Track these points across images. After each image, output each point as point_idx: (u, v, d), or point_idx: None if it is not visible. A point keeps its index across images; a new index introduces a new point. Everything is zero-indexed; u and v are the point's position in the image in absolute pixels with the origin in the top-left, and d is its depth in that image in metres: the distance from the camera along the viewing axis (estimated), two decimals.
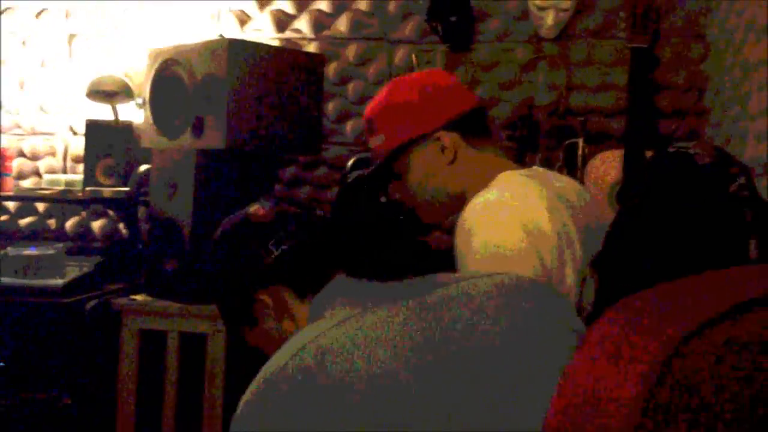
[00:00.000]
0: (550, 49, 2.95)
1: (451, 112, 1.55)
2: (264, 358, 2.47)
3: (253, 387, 0.95)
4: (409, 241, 1.16)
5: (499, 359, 0.94)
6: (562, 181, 1.61)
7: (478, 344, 0.95)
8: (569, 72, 2.93)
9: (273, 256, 1.14)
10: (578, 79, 2.93)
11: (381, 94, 1.62)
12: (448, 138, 1.53)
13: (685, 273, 0.87)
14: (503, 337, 0.97)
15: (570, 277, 1.40)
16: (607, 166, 2.52)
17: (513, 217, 1.40)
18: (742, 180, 1.36)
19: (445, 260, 1.54)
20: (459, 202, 1.55)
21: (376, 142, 1.58)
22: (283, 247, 1.14)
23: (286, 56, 2.66)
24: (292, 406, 0.89)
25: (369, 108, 1.62)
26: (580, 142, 2.68)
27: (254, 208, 1.22)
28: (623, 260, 1.25)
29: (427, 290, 1.02)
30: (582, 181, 2.60)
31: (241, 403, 0.95)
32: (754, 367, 0.62)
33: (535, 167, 1.63)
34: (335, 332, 0.94)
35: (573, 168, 2.69)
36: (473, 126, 1.57)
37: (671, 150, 1.44)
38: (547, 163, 2.82)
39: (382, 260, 1.13)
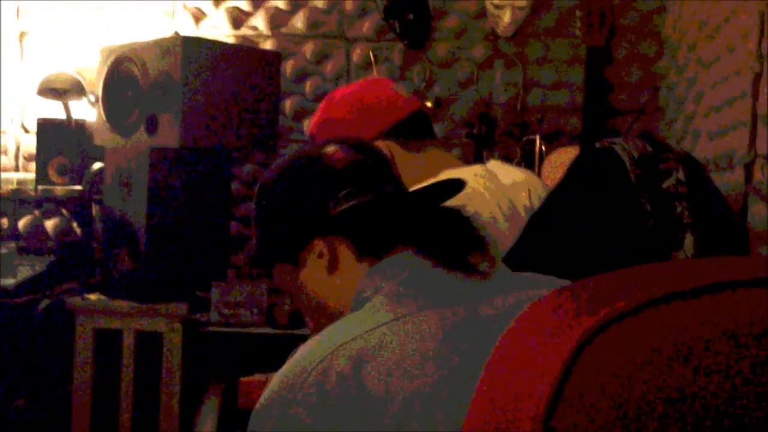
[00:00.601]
0: (507, 47, 2.97)
1: (385, 122, 1.58)
2: (220, 355, 2.42)
3: (280, 379, 0.90)
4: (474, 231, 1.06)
5: None
6: (516, 176, 1.61)
7: None
8: (526, 70, 2.95)
9: (341, 208, 1.04)
10: (535, 76, 2.95)
11: (318, 110, 1.64)
12: (382, 144, 1.54)
13: (593, 268, 0.87)
14: None
15: None
16: (562, 163, 2.53)
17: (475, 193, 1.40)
18: (679, 175, 1.36)
19: None
20: None
21: None
22: (354, 201, 1.04)
23: (242, 53, 2.64)
24: (318, 412, 0.85)
25: (310, 125, 1.64)
26: (537, 139, 2.69)
27: (332, 149, 1.09)
28: (530, 258, 1.25)
29: (488, 295, 0.96)
30: (539, 177, 2.61)
31: (265, 394, 0.90)
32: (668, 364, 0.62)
33: (492, 161, 1.63)
34: (377, 336, 0.89)
35: (530, 165, 2.71)
36: (411, 130, 1.59)
37: (598, 145, 1.44)
38: (505, 161, 2.83)
39: (456, 246, 1.01)
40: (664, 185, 1.39)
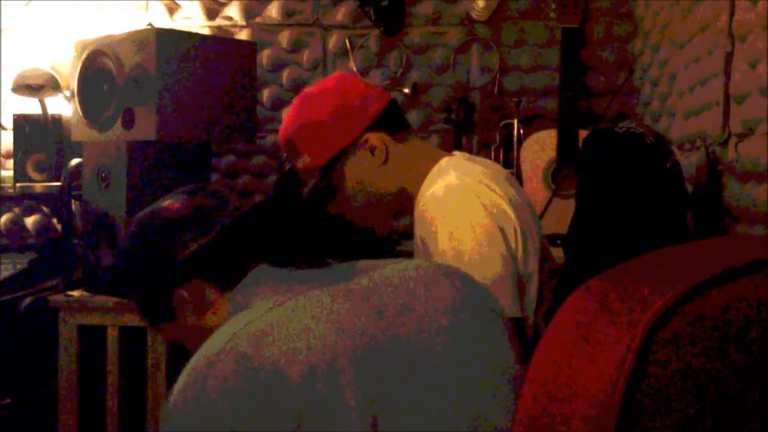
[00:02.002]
0: (483, 31, 2.97)
1: (369, 114, 1.52)
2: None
3: (185, 377, 0.92)
4: (333, 227, 1.12)
5: (429, 340, 0.95)
6: (488, 165, 1.60)
7: (409, 326, 0.95)
8: (502, 54, 2.96)
9: (190, 250, 1.10)
10: (511, 60, 2.96)
11: (292, 113, 1.56)
12: (376, 138, 1.51)
13: (639, 247, 0.89)
14: (431, 319, 0.97)
15: (532, 259, 1.41)
16: (542, 146, 2.55)
17: (476, 201, 1.39)
18: (675, 157, 1.39)
19: (385, 248, 1.54)
20: (400, 198, 1.54)
21: (302, 162, 1.53)
22: (200, 241, 1.10)
23: (218, 44, 2.62)
24: (229, 394, 0.87)
25: (283, 130, 1.56)
26: (515, 123, 2.70)
27: (167, 203, 1.16)
28: (588, 240, 1.27)
29: (350, 277, 1.02)
30: (518, 162, 2.63)
31: (173, 395, 0.92)
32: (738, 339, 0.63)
33: (456, 152, 1.61)
34: (268, 317, 0.93)
35: (509, 149, 2.72)
36: (393, 121, 1.56)
37: (620, 130, 1.46)
38: (484, 145, 2.85)
39: (304, 246, 1.10)
40: (668, 166, 1.43)
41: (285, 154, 1.60)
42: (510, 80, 2.96)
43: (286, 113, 1.60)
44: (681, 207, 1.56)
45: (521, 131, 2.69)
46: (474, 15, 2.94)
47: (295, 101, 1.58)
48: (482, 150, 2.85)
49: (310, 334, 0.90)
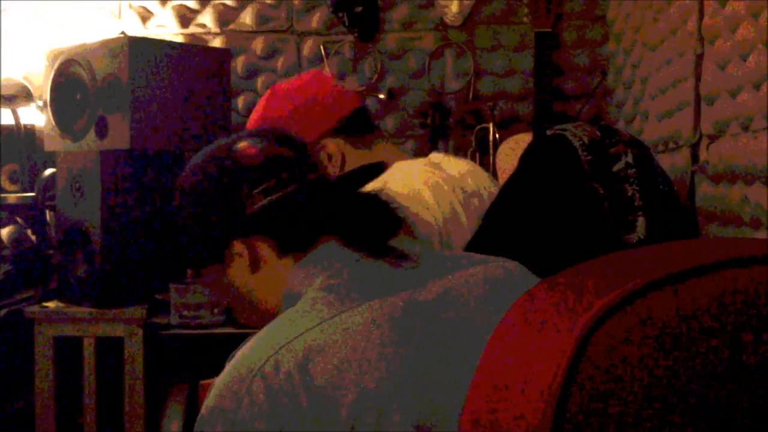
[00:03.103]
0: (457, 36, 2.98)
1: (330, 120, 1.52)
2: (182, 357, 2.39)
3: (224, 382, 0.86)
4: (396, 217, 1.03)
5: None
6: (461, 167, 1.60)
7: (469, 349, 0.88)
8: (476, 58, 2.97)
9: (259, 204, 1.00)
10: (485, 64, 2.97)
11: (259, 106, 1.56)
12: (333, 145, 1.51)
13: (555, 256, 0.88)
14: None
15: None
16: (517, 149, 2.56)
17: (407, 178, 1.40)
18: (628, 158, 1.39)
19: None
20: None
21: None
22: (272, 197, 1.00)
23: (191, 52, 2.61)
24: (267, 414, 0.82)
25: (249, 122, 1.56)
26: (491, 127, 2.72)
27: (244, 144, 1.04)
28: (491, 246, 1.26)
29: (420, 283, 0.95)
30: (494, 166, 2.64)
31: (211, 399, 0.87)
32: (670, 343, 0.63)
33: (433, 155, 1.61)
34: (320, 333, 0.86)
35: (485, 152, 2.73)
36: (357, 127, 1.55)
37: (549, 132, 1.46)
38: (460, 149, 2.86)
39: (380, 231, 1.00)
40: (614, 169, 1.41)
41: None
42: (485, 84, 2.97)
43: (256, 105, 1.59)
44: (621, 211, 1.53)
45: (497, 135, 2.70)
46: (448, 20, 2.95)
47: (265, 94, 1.58)
48: (458, 154, 2.86)
49: (361, 360, 0.84)
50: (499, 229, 1.36)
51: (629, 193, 1.41)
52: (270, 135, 1.07)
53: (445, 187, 1.47)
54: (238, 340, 0.97)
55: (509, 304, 0.91)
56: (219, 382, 0.88)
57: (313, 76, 1.60)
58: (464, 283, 0.96)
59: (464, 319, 0.92)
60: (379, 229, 1.00)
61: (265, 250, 1.03)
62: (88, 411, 2.44)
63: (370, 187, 1.44)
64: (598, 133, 1.40)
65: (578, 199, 1.37)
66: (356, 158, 1.53)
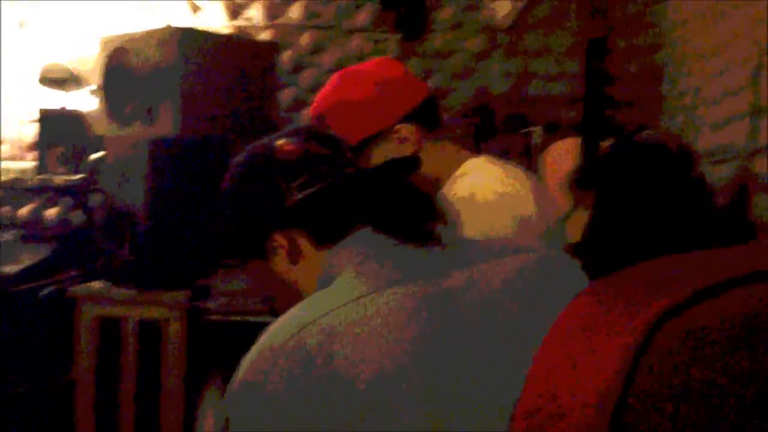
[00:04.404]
0: (504, 38, 2.97)
1: (406, 104, 1.49)
2: (222, 343, 2.41)
3: (250, 361, 0.90)
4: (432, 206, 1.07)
5: (514, 354, 0.89)
6: (510, 168, 1.60)
7: (493, 337, 0.91)
8: (524, 61, 2.95)
9: (296, 198, 1.05)
10: (533, 68, 2.95)
11: (330, 88, 1.53)
12: (407, 130, 1.50)
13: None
14: (522, 330, 0.92)
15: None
16: (563, 154, 2.54)
17: (501, 205, 1.39)
18: (698, 167, 1.38)
19: None
20: (432, 187, 1.54)
21: None
22: (308, 190, 1.05)
23: (238, 44, 2.63)
24: (290, 391, 0.85)
25: (318, 104, 1.53)
26: (536, 130, 2.70)
27: (281, 142, 1.09)
28: (604, 248, 1.25)
29: (448, 270, 0.97)
30: (537, 170, 2.62)
31: (237, 377, 0.90)
32: (737, 346, 0.62)
33: (483, 157, 1.60)
34: (343, 313, 0.89)
35: (529, 156, 2.71)
36: (428, 116, 1.54)
37: (642, 139, 1.45)
38: (504, 152, 2.84)
39: (412, 219, 1.03)
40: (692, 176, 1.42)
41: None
42: (531, 87, 2.95)
43: (323, 89, 1.56)
44: (704, 218, 1.54)
45: (542, 138, 2.68)
46: (496, 22, 2.94)
47: (334, 77, 1.54)
48: (501, 157, 2.84)
49: (380, 342, 0.87)
50: (610, 233, 1.35)
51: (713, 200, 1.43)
52: (306, 133, 1.12)
53: (525, 181, 1.47)
54: None
55: (543, 295, 0.95)
56: (247, 358, 0.91)
57: (383, 60, 1.59)
58: (494, 272, 0.98)
59: (489, 308, 0.94)
60: (411, 217, 1.04)
61: (303, 241, 1.06)
62: (126, 391, 2.47)
63: (463, 180, 1.43)
64: (680, 143, 1.41)
65: (687, 205, 1.37)
66: (428, 147, 1.51)
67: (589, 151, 2.32)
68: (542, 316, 0.89)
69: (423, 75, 3.00)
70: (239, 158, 1.13)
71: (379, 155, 1.48)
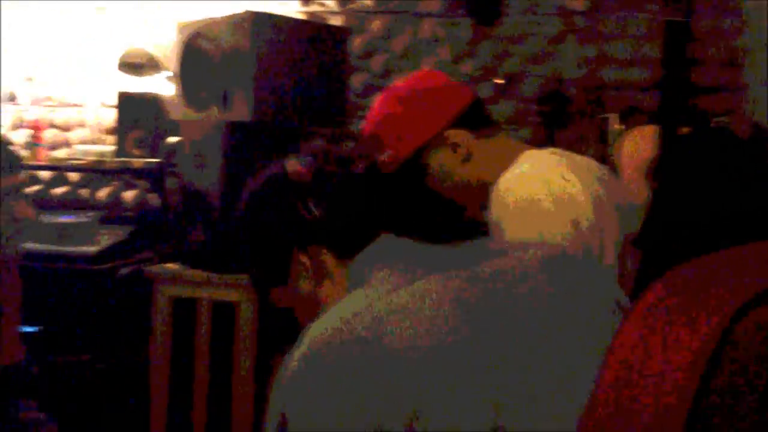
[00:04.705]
0: (580, 21, 2.91)
1: (450, 110, 1.52)
2: (293, 326, 2.45)
3: (301, 351, 0.91)
4: (453, 207, 1.10)
5: (546, 333, 0.92)
6: (584, 160, 1.59)
7: (527, 317, 0.93)
8: (600, 45, 2.89)
9: (313, 216, 1.08)
10: (610, 52, 2.89)
11: (376, 106, 1.58)
12: (457, 135, 1.53)
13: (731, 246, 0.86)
14: (550, 310, 0.95)
15: (610, 251, 1.39)
16: (642, 142, 2.48)
17: (543, 188, 1.39)
18: None
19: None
20: (483, 192, 1.55)
21: (385, 157, 1.53)
22: (323, 207, 1.08)
23: (311, 29, 2.65)
24: (344, 376, 0.86)
25: (367, 123, 1.58)
26: (612, 117, 2.64)
27: (291, 163, 1.14)
28: (666, 236, 1.23)
29: (476, 260, 0.99)
30: (613, 157, 2.57)
31: (287, 368, 0.91)
32: None
33: (552, 149, 1.61)
34: (388, 301, 0.91)
35: (605, 143, 2.66)
36: (476, 118, 1.57)
37: (711, 125, 1.42)
38: (579, 139, 2.79)
39: (433, 220, 1.07)
40: None
41: (369, 148, 1.61)
42: (608, 73, 2.89)
43: (371, 109, 1.62)
44: None
45: (618, 125, 2.63)
46: (571, 5, 2.89)
47: (379, 96, 1.60)
48: (576, 144, 2.80)
49: (429, 322, 0.88)
50: (672, 221, 1.33)
51: None
52: (316, 152, 1.18)
53: (585, 173, 1.45)
54: None
55: (569, 284, 0.97)
56: (296, 352, 0.92)
57: (425, 73, 1.63)
58: (519, 260, 1.01)
59: (530, 292, 0.96)
60: (431, 220, 1.08)
61: (326, 258, 1.09)
62: (199, 370, 2.53)
63: (507, 174, 1.43)
64: (754, 128, 1.36)
65: (745, 192, 1.34)
66: (482, 148, 1.53)
67: (667, 139, 2.27)
68: (572, 304, 0.95)
69: (495, 60, 2.97)
70: (254, 183, 1.17)
71: (434, 162, 1.51)
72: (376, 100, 1.61)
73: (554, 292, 0.97)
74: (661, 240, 1.12)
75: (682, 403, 0.58)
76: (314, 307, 1.10)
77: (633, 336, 0.68)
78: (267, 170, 1.17)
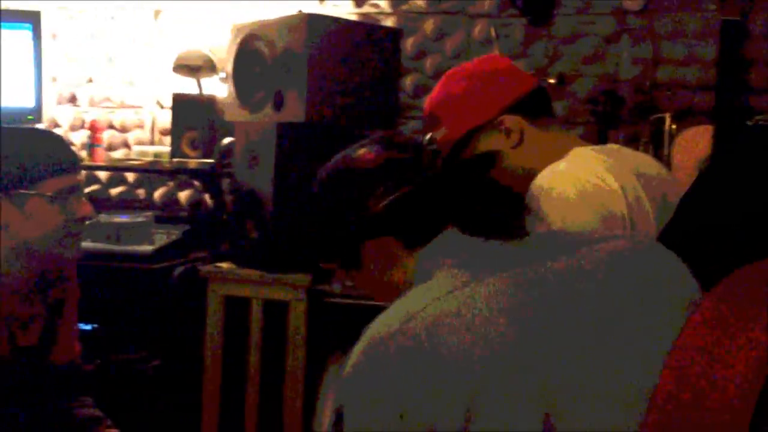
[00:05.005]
0: (635, 21, 2.88)
1: (509, 95, 1.54)
2: (343, 326, 2.47)
3: (360, 350, 0.94)
4: (516, 200, 1.09)
5: (606, 335, 0.91)
6: (638, 158, 1.59)
7: (588, 320, 0.92)
8: (655, 45, 2.85)
9: (381, 206, 1.08)
10: (665, 52, 2.85)
11: (438, 86, 1.61)
12: (511, 121, 1.53)
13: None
14: (613, 312, 0.93)
15: None
16: (696, 142, 2.45)
17: (582, 195, 1.39)
18: None
19: None
20: (528, 181, 1.55)
21: (439, 135, 1.55)
22: (392, 197, 1.08)
23: (364, 30, 2.67)
24: (401, 377, 0.88)
25: (428, 103, 1.63)
26: (667, 117, 2.61)
27: (362, 152, 1.14)
28: (695, 235, 1.21)
29: (544, 258, 0.98)
30: (669, 158, 2.54)
31: (349, 365, 0.94)
32: None
33: (609, 145, 1.60)
34: (447, 302, 0.92)
35: (659, 144, 2.63)
36: (535, 107, 1.57)
37: (755, 123, 1.39)
38: (632, 140, 2.76)
39: (497, 217, 1.05)
40: None
41: (427, 126, 1.63)
42: (663, 73, 2.85)
43: (434, 89, 1.64)
44: None
45: (673, 126, 2.59)
46: (626, 5, 2.86)
47: (443, 76, 1.62)
48: (629, 145, 2.76)
49: (487, 327, 0.89)
50: (699, 217, 1.31)
51: None
52: (385, 140, 1.16)
53: (627, 174, 1.44)
54: None
55: (639, 279, 0.95)
56: (356, 349, 0.95)
57: (488, 57, 1.64)
58: (588, 259, 0.99)
59: (587, 294, 0.94)
60: (496, 214, 1.06)
61: (395, 247, 1.10)
62: (252, 368, 2.57)
63: (548, 170, 1.44)
64: None
65: None
66: (534, 137, 1.54)
67: (721, 139, 2.23)
68: (641, 300, 0.94)
69: (549, 60, 2.95)
70: (324, 171, 1.19)
71: (484, 146, 1.53)
72: (440, 82, 1.63)
73: (619, 293, 0.95)
74: (690, 240, 1.11)
75: (747, 405, 0.58)
76: (389, 292, 1.10)
77: (694, 341, 0.68)
78: (336, 157, 1.19)
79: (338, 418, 0.95)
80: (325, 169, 1.19)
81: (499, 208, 1.07)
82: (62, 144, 1.73)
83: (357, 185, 1.11)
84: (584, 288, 0.95)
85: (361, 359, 0.93)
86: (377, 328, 0.94)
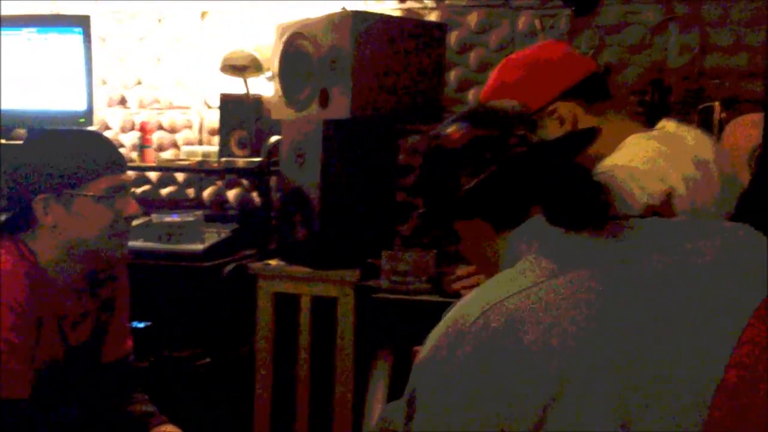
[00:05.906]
0: (681, 9, 2.83)
1: (564, 82, 1.54)
2: (391, 321, 2.47)
3: (438, 336, 0.93)
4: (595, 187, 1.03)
5: (689, 336, 0.86)
6: (696, 137, 1.55)
7: (675, 320, 0.88)
8: (703, 33, 2.81)
9: (466, 188, 1.05)
10: (712, 39, 2.80)
11: (493, 75, 1.62)
12: (565, 109, 1.52)
13: None
14: (703, 312, 0.88)
15: None
16: (746, 130, 2.40)
17: (630, 184, 1.38)
18: None
19: None
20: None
21: None
22: (477, 178, 1.04)
23: (408, 26, 2.67)
24: (478, 368, 0.88)
25: (484, 90, 1.63)
26: (716, 106, 2.57)
27: (450, 130, 1.10)
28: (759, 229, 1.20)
29: (637, 254, 0.94)
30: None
31: (425, 351, 0.94)
32: None
33: (666, 128, 1.56)
34: (528, 297, 0.90)
35: (708, 133, 2.59)
36: (592, 92, 1.55)
37: None
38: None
39: (583, 208, 0.99)
40: None
41: None
42: (710, 61, 2.81)
43: (490, 77, 1.65)
44: None
45: (722, 115, 2.55)
46: None
47: (500, 64, 1.62)
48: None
49: (566, 326, 0.87)
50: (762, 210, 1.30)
51: None
52: (473, 116, 1.12)
53: (686, 162, 1.43)
54: (442, 307, 1.02)
55: (738, 276, 0.89)
56: (434, 334, 0.94)
57: (545, 43, 1.63)
58: (692, 256, 0.93)
59: (687, 294, 0.90)
60: (584, 200, 1.01)
61: (484, 228, 1.08)
62: (302, 364, 2.60)
63: (608, 162, 1.42)
64: None
65: None
66: (588, 124, 1.52)
67: None
68: (738, 296, 0.88)
69: (594, 50, 2.92)
70: (426, 151, 1.17)
71: (540, 133, 1.51)
72: (495, 69, 1.63)
73: (719, 293, 0.89)
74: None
75: None
76: (486, 264, 1.11)
77: (756, 337, 0.67)
78: (427, 134, 1.18)
79: (411, 400, 0.95)
80: (427, 149, 1.17)
81: (580, 199, 1.00)
82: (107, 144, 1.77)
83: (443, 165, 1.09)
84: (669, 291, 0.90)
85: (438, 345, 0.92)
86: (457, 314, 0.93)
